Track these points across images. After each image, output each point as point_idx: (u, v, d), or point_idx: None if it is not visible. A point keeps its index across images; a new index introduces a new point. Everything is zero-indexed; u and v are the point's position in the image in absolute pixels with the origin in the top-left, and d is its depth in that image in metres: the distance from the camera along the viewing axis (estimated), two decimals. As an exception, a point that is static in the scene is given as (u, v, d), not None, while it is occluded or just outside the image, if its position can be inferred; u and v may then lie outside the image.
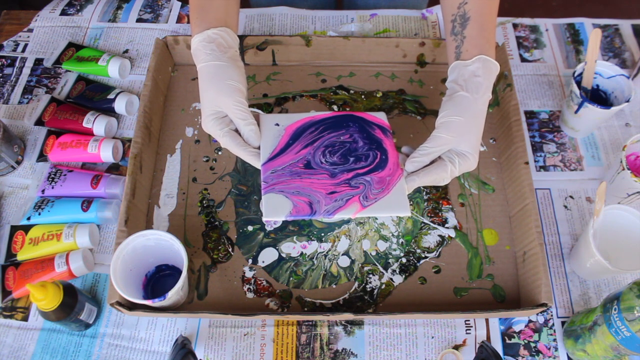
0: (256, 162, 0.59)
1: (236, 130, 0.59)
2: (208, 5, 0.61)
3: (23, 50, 0.85)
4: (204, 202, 0.70)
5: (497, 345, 0.62)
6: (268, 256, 0.66)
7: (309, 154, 0.60)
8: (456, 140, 0.57)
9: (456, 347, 0.62)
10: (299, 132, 0.62)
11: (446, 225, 0.68)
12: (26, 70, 0.83)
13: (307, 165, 0.59)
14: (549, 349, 0.62)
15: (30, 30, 0.87)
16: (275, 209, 0.56)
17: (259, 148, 0.60)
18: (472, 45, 0.59)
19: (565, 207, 0.71)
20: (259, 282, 0.65)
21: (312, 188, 0.58)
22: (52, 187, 0.69)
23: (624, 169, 0.64)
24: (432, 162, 0.58)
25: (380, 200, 0.57)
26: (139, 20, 0.88)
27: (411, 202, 0.70)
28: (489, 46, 0.59)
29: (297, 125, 0.62)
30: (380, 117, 0.64)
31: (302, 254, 0.66)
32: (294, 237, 0.67)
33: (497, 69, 0.59)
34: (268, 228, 0.68)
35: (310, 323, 0.63)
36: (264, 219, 0.57)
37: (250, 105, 0.75)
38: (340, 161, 0.60)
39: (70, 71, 0.82)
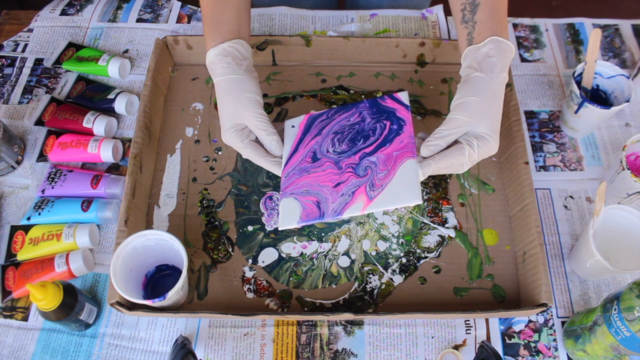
0: (279, 171, 0.60)
1: (256, 140, 0.60)
2: (221, 18, 0.62)
3: (23, 50, 0.85)
4: (204, 202, 0.70)
5: (497, 345, 0.62)
6: (268, 256, 0.66)
7: (316, 144, 0.59)
8: (473, 122, 0.54)
9: (456, 347, 0.62)
10: (310, 123, 0.61)
11: (446, 225, 0.68)
12: (26, 70, 0.83)
13: (314, 158, 0.59)
14: (549, 349, 0.62)
15: (30, 30, 0.87)
16: (288, 217, 0.56)
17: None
18: (483, 29, 0.57)
19: (565, 207, 0.71)
20: (259, 282, 0.65)
21: (319, 183, 0.57)
22: (52, 187, 0.69)
23: (624, 169, 0.64)
24: (448, 147, 0.55)
25: (387, 187, 0.54)
26: (139, 20, 0.88)
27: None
28: (501, 28, 0.57)
29: (308, 117, 0.62)
30: (402, 95, 0.61)
31: (302, 254, 0.66)
32: (294, 237, 0.67)
33: (512, 50, 0.57)
34: (268, 228, 0.68)
35: (310, 323, 0.63)
36: (280, 229, 0.57)
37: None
38: (348, 147, 0.58)
39: (70, 71, 0.82)
